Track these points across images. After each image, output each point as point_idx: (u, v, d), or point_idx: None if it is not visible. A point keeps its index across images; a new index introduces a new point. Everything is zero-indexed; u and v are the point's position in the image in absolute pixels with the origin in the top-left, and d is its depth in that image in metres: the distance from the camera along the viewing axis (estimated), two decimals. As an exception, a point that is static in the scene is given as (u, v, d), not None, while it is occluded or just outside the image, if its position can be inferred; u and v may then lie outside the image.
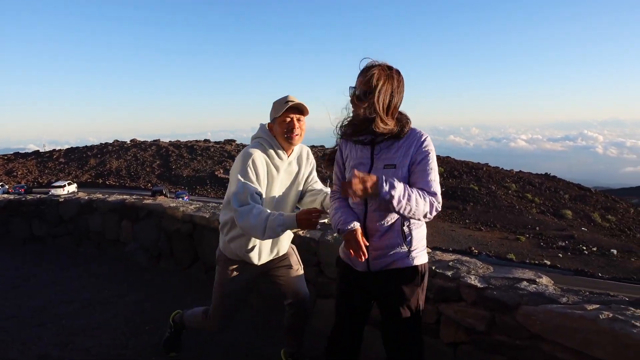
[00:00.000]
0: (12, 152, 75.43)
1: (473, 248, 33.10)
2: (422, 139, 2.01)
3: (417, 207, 1.89)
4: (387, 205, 1.88)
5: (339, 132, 2.14)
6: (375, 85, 1.93)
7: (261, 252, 2.54)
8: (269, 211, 2.26)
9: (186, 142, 75.83)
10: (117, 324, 3.70)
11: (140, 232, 5.55)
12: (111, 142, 76.29)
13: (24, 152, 78.07)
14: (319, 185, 2.69)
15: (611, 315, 1.88)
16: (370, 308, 2.25)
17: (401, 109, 2.07)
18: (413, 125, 2.07)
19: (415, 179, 1.99)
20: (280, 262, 2.69)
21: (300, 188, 2.61)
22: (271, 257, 2.62)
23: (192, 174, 60.94)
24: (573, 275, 27.68)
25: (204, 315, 2.80)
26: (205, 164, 64.41)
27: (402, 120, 2.04)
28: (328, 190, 2.61)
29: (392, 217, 2.03)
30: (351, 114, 2.09)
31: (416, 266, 2.08)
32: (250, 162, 2.29)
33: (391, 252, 2.05)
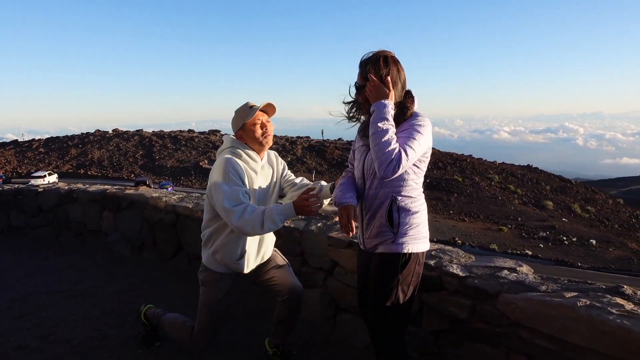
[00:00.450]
0: (-11, 142, 73.68)
1: (457, 238, 33.49)
2: (417, 117, 2.09)
3: (383, 147, 1.95)
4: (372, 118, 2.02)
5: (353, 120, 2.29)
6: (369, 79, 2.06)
7: (248, 258, 2.50)
8: (263, 207, 2.26)
9: (170, 132, 74.77)
10: (99, 315, 3.66)
11: (122, 222, 5.48)
12: (92, 131, 74.91)
13: (1, 141, 76.16)
14: (297, 178, 2.70)
15: (588, 302, 1.92)
16: None
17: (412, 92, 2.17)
18: None
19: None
20: (267, 266, 2.67)
21: (278, 186, 2.64)
22: (257, 263, 2.59)
23: (177, 164, 60.24)
24: (554, 265, 28.24)
25: (188, 332, 2.67)
26: (190, 154, 63.71)
27: (406, 104, 2.11)
28: (307, 181, 2.66)
29: (383, 200, 2.10)
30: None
31: (400, 253, 2.10)
32: (229, 167, 2.28)
33: (378, 234, 2.13)
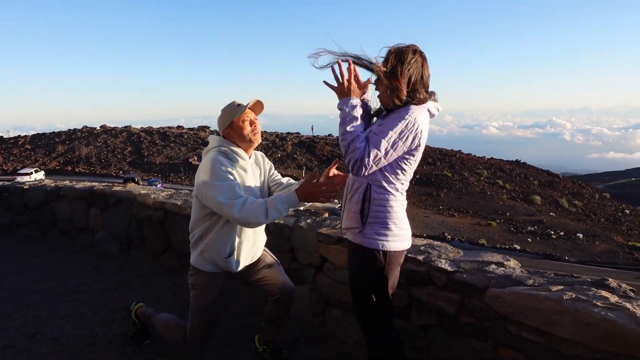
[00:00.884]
0: (-27, 138, 72.42)
1: (446, 234, 33.75)
2: (402, 109, 2.03)
3: (348, 144, 1.96)
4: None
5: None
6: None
7: (239, 257, 2.47)
8: (262, 199, 2.26)
9: (159, 128, 74.15)
10: (87, 312, 3.62)
11: (110, 219, 5.43)
12: (80, 128, 74.01)
13: (-13, 138, 75.04)
14: (283, 178, 2.69)
15: (574, 295, 1.94)
16: None
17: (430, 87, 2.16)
18: None
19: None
20: (257, 266, 2.65)
21: (266, 186, 2.62)
22: (247, 262, 2.56)
23: (166, 161, 59.82)
24: (541, 259, 28.63)
25: (182, 334, 2.63)
26: (179, 150, 63.27)
27: (410, 95, 2.07)
28: (292, 181, 2.65)
29: (360, 184, 2.11)
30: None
31: (365, 247, 2.09)
32: (218, 164, 2.26)
33: (349, 220, 2.15)
